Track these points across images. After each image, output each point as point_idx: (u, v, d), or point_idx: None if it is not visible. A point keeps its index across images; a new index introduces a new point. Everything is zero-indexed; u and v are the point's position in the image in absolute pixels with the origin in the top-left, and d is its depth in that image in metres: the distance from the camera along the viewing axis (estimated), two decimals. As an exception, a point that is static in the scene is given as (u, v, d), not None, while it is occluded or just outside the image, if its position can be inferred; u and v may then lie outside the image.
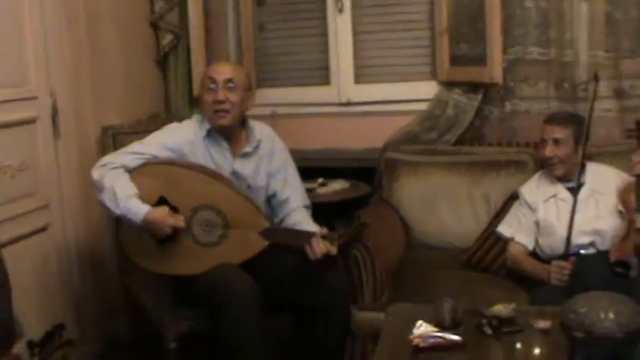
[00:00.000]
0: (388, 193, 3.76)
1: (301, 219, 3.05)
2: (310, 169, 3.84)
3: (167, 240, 2.84)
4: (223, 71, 2.98)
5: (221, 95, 2.91)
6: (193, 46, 4.09)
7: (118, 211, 2.79)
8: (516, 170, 3.52)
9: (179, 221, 2.80)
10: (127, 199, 2.78)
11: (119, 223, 2.94)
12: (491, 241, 3.33)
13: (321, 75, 4.35)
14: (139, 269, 3.02)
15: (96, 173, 2.87)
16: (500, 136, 3.84)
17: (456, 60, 3.91)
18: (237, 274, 2.76)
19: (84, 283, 3.52)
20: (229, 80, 2.94)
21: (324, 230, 2.84)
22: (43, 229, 3.29)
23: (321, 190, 3.90)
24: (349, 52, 4.25)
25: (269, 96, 4.27)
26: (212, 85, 2.94)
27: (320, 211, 3.32)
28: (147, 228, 2.80)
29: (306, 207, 3.16)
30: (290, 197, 3.11)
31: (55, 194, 3.37)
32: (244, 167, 3.04)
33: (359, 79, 4.28)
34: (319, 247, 2.74)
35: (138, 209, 2.78)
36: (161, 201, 2.86)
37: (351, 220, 3.18)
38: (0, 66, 3.04)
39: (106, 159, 2.94)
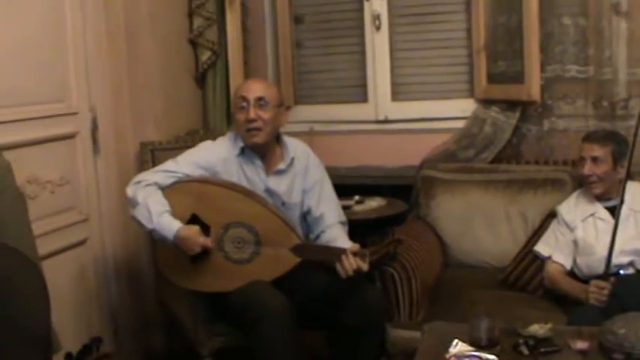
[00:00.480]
0: (425, 211, 3.75)
1: (336, 235, 3.02)
2: (347, 186, 3.83)
3: (200, 257, 2.84)
4: (254, 89, 2.97)
5: (252, 114, 2.91)
6: (231, 63, 4.08)
7: (150, 227, 2.81)
8: (554, 189, 3.48)
9: (208, 241, 2.81)
10: (160, 216, 2.79)
11: (156, 240, 2.95)
12: (529, 260, 3.29)
13: (359, 92, 4.35)
14: (174, 284, 3.03)
15: (130, 190, 2.89)
16: (537, 154, 3.80)
17: (493, 78, 3.90)
18: (269, 291, 2.75)
19: (121, 296, 3.52)
20: (260, 98, 2.93)
21: (356, 246, 2.81)
22: (82, 242, 3.30)
23: (358, 208, 3.89)
24: (386, 70, 4.25)
25: (306, 113, 4.28)
26: (243, 104, 2.94)
27: (356, 228, 3.30)
28: (177, 245, 2.80)
29: (342, 223, 3.13)
30: (325, 213, 3.08)
31: (94, 209, 3.38)
32: (278, 184, 3.03)
33: (396, 96, 4.27)
34: (349, 264, 2.71)
35: (170, 226, 2.79)
36: (193, 218, 2.87)
37: (385, 237, 3.15)
38: (42, 82, 3.07)
39: (140, 177, 2.96)
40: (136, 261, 3.62)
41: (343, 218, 3.15)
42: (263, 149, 3.00)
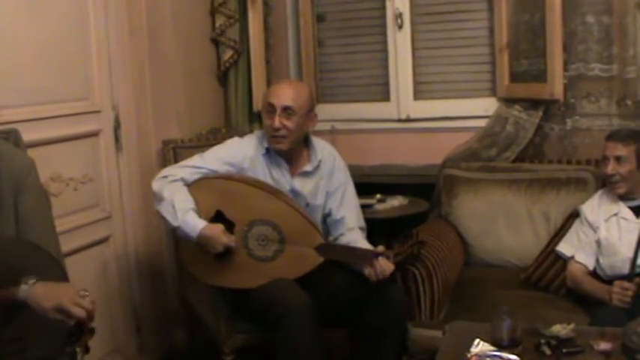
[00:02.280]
0: (447, 210, 3.75)
1: (356, 239, 3.02)
2: (369, 185, 3.85)
3: (223, 254, 2.84)
4: (283, 97, 2.92)
5: (277, 122, 2.89)
6: (253, 61, 4.10)
7: (175, 224, 2.80)
8: (577, 188, 3.46)
9: (231, 241, 2.80)
10: (185, 213, 2.79)
11: (179, 236, 2.95)
12: (551, 259, 3.27)
13: (381, 91, 4.34)
14: (197, 281, 3.03)
15: (156, 184, 2.89)
16: (560, 154, 3.78)
17: (516, 76, 3.87)
18: (292, 289, 2.75)
19: (143, 293, 3.54)
20: (287, 108, 2.90)
21: (381, 248, 2.81)
22: (105, 239, 3.33)
23: (380, 207, 3.89)
24: (409, 68, 4.25)
25: (328, 111, 4.26)
26: (270, 109, 2.93)
27: (378, 227, 3.32)
28: (201, 243, 2.80)
29: (361, 228, 3.13)
30: (345, 217, 3.08)
31: (117, 206, 3.40)
32: (303, 186, 3.03)
33: (418, 95, 4.27)
34: (383, 268, 2.72)
35: (194, 224, 2.78)
36: (218, 215, 2.87)
37: (408, 238, 3.14)
38: (66, 80, 3.09)
39: (166, 171, 2.96)
40: (158, 258, 3.63)
41: (363, 224, 3.15)
42: (288, 153, 3.00)
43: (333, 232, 3.11)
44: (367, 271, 2.74)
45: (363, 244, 2.98)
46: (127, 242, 3.47)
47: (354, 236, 3.04)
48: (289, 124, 2.90)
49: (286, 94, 2.93)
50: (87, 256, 3.19)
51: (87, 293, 2.02)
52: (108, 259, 3.35)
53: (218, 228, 2.80)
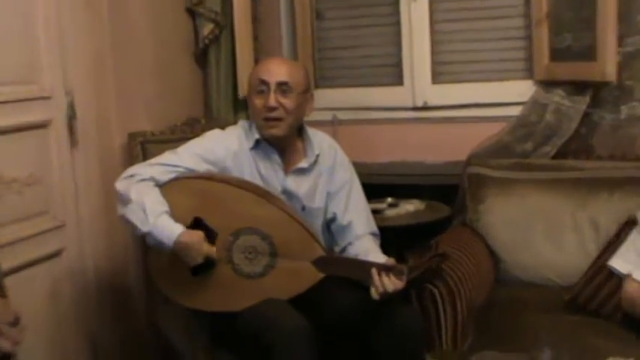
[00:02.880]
0: (473, 217, 3.75)
1: (367, 248, 3.02)
2: (378, 186, 3.86)
3: (203, 269, 2.84)
4: (277, 72, 2.96)
5: (273, 101, 2.91)
6: (239, 37, 4.10)
7: (145, 230, 2.79)
8: (634, 190, 3.44)
9: (213, 250, 2.81)
10: (158, 217, 2.79)
11: (149, 247, 2.96)
12: (602, 277, 3.21)
13: (392, 73, 4.36)
14: (170, 303, 3.04)
15: (121, 185, 2.88)
16: (613, 148, 3.77)
17: (557, 54, 3.86)
18: (286, 312, 2.73)
19: (103, 318, 3.53)
20: (283, 83, 2.93)
21: (391, 261, 2.80)
22: (56, 254, 3.30)
23: (391, 212, 3.93)
24: (426, 46, 4.25)
25: (328, 98, 4.28)
26: (262, 88, 2.95)
27: (389, 237, 3.31)
28: (176, 253, 2.80)
29: (374, 235, 3.15)
30: (353, 222, 3.09)
31: (71, 213, 3.37)
32: (299, 185, 3.04)
33: (438, 78, 4.28)
34: (385, 282, 2.70)
35: (170, 229, 2.78)
36: (196, 222, 2.87)
37: (426, 250, 3.12)
38: (5, 59, 3.05)
39: (133, 170, 2.95)
40: (122, 275, 3.63)
41: (375, 229, 3.17)
42: (282, 143, 3.01)
43: (339, 240, 3.13)
44: (370, 287, 2.75)
45: (376, 253, 2.98)
46: (84, 256, 3.44)
47: (366, 245, 3.05)
48: (287, 102, 2.92)
49: (281, 69, 2.98)
50: (34, 274, 3.16)
51: (19, 317, 1.98)
52: (60, 277, 3.32)
53: (198, 234, 2.80)
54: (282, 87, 2.93)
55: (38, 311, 3.14)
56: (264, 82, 2.93)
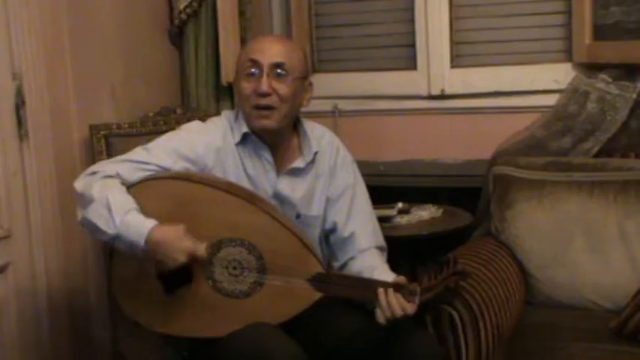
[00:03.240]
0: (499, 226, 3.74)
1: (373, 264, 2.99)
2: (386, 189, 3.97)
3: (177, 284, 2.80)
4: (271, 51, 2.93)
5: (265, 86, 2.88)
6: (221, 12, 4.10)
7: (111, 231, 2.72)
8: (694, 195, 3.46)
9: (201, 248, 2.74)
10: (125, 214, 2.73)
11: (113, 261, 2.91)
12: (656, 300, 3.23)
13: (404, 55, 4.40)
14: (138, 328, 2.99)
15: (81, 184, 2.83)
16: (669, 144, 3.80)
17: (602, 32, 3.89)
18: (276, 338, 2.68)
19: (58, 345, 3.49)
20: (278, 65, 2.90)
21: (401, 279, 2.77)
22: (1, 270, 3.26)
23: (402, 220, 3.96)
24: (444, 24, 4.30)
25: (329, 85, 4.30)
26: (253, 70, 2.91)
27: (399, 248, 3.38)
28: (150, 256, 2.72)
29: (380, 248, 3.13)
30: (356, 233, 3.07)
31: (20, 221, 3.34)
32: (293, 188, 3.03)
33: (458, 61, 4.33)
34: (393, 304, 2.66)
35: (140, 225, 2.71)
36: None
37: (443, 266, 3.08)
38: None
39: (95, 167, 2.91)
40: (81, 295, 3.61)
41: (382, 242, 3.15)
42: (275, 138, 2.99)
43: (339, 255, 3.10)
44: (377, 311, 2.72)
45: (383, 271, 2.94)
46: (35, 273, 3.39)
47: (371, 260, 3.01)
48: (282, 89, 2.89)
49: (275, 48, 2.95)
50: None
51: None
52: (5, 298, 3.29)
53: (177, 228, 2.72)
54: (277, 70, 2.89)
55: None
56: (255, 63, 2.90)
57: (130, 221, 2.70)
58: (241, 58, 2.99)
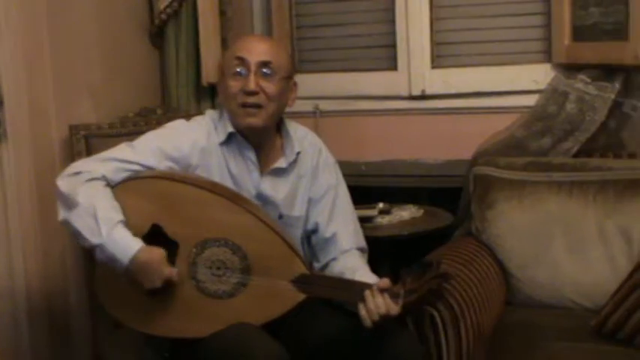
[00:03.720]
0: (479, 226, 3.75)
1: (354, 266, 2.98)
2: (367, 189, 3.96)
3: (159, 288, 2.79)
4: (258, 49, 2.94)
5: (252, 84, 2.88)
6: (202, 11, 4.10)
7: (95, 241, 2.72)
8: (672, 194, 3.47)
9: (174, 273, 2.76)
10: (112, 227, 2.72)
11: (95, 261, 2.88)
12: (635, 298, 3.19)
13: (384, 55, 4.40)
14: (118, 330, 3.02)
15: (64, 183, 2.81)
16: (648, 144, 3.81)
17: (581, 32, 3.89)
18: (259, 339, 2.67)
19: (37, 348, 3.48)
20: (265, 64, 2.91)
21: (385, 282, 2.74)
22: None
23: (383, 220, 3.94)
24: (424, 24, 4.28)
25: (310, 85, 4.25)
26: (240, 69, 2.91)
27: (380, 249, 3.40)
28: (130, 273, 2.74)
29: (361, 250, 3.13)
30: (339, 234, 3.07)
31: None
32: (276, 189, 3.03)
33: (438, 61, 4.32)
34: (377, 305, 2.66)
35: (126, 245, 2.71)
36: (154, 231, 2.82)
37: (425, 268, 3.07)
38: None
39: (78, 165, 2.90)
40: (61, 296, 3.59)
41: (363, 243, 3.15)
42: (260, 137, 2.99)
43: (320, 256, 3.10)
44: (360, 309, 2.70)
45: (365, 272, 2.94)
46: (14, 275, 3.40)
47: (352, 262, 3.01)
48: (269, 87, 2.90)
49: (262, 47, 2.97)
50: None
51: None
52: None
53: (159, 253, 2.75)
54: (264, 69, 2.90)
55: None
56: (242, 62, 2.91)
57: (116, 237, 2.71)
58: (228, 56, 3.00)
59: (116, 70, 3.88)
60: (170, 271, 2.74)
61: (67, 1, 3.60)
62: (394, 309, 2.65)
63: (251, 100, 2.87)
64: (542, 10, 4.07)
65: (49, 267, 3.50)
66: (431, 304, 3.01)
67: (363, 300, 2.67)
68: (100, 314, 3.10)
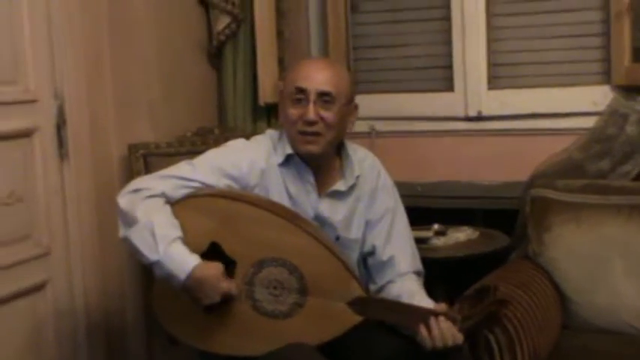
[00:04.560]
0: (536, 249, 3.69)
1: (411, 290, 2.95)
2: (423, 210, 3.91)
3: (217, 304, 2.77)
4: (318, 79, 2.90)
5: (312, 114, 2.86)
6: (259, 33, 4.12)
7: (153, 258, 2.72)
8: None
9: (233, 286, 2.75)
10: (170, 243, 2.72)
11: (153, 278, 2.89)
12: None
13: (441, 77, 4.40)
14: (174, 347, 3.07)
15: (124, 201, 2.83)
16: None
17: None
18: (314, 359, 2.66)
19: None
20: (326, 94, 2.88)
21: (443, 307, 2.74)
22: (40, 287, 3.28)
23: (438, 242, 3.91)
24: (481, 45, 4.28)
25: (365, 106, 4.10)
26: (300, 96, 2.89)
27: (435, 270, 3.34)
28: (188, 289, 2.73)
29: (418, 273, 3.08)
30: (396, 257, 3.03)
31: (59, 238, 3.36)
32: (334, 211, 3.00)
33: (495, 82, 4.31)
34: (442, 331, 2.63)
35: (183, 260, 2.71)
36: (213, 249, 2.81)
37: (482, 294, 3.05)
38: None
39: (138, 183, 2.92)
40: (118, 313, 3.62)
41: (420, 267, 3.12)
42: (318, 160, 2.98)
43: (377, 278, 3.06)
44: (421, 335, 2.66)
45: (422, 297, 2.91)
46: (73, 291, 3.42)
47: (409, 285, 2.97)
48: (328, 115, 2.87)
49: (323, 75, 2.91)
50: (12, 311, 3.16)
51: None
52: (43, 316, 3.31)
53: (217, 267, 2.74)
54: (324, 97, 2.87)
55: (16, 356, 3.12)
56: (302, 91, 2.88)
57: (173, 253, 2.71)
58: (288, 82, 2.96)
59: (174, 89, 3.90)
60: (228, 286, 2.73)
61: (128, 23, 3.62)
62: (459, 338, 2.63)
63: (310, 129, 2.85)
64: (601, 31, 4.03)
65: (108, 284, 3.52)
66: (487, 328, 2.96)
67: (428, 326, 2.64)
68: (155, 331, 3.09)
